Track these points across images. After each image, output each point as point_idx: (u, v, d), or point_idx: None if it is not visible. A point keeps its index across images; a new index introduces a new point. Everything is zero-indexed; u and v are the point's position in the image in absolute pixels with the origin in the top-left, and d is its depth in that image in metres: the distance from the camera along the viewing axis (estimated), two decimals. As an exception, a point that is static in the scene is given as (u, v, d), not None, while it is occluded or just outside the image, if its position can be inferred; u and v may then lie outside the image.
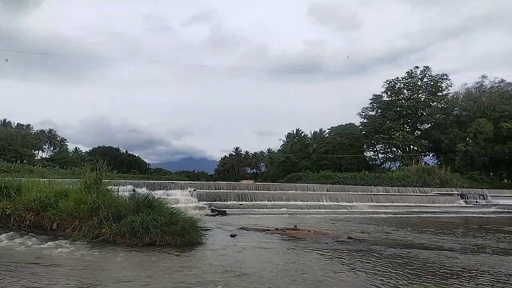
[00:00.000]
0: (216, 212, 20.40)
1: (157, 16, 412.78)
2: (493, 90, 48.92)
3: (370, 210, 25.08)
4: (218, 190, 27.01)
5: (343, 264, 8.90)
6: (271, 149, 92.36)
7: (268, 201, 25.94)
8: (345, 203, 27.51)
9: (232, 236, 12.52)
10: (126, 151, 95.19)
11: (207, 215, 19.71)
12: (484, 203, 33.22)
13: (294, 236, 12.85)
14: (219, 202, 23.85)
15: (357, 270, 8.36)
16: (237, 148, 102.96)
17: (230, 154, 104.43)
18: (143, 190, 19.42)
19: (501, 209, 28.90)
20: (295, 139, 74.32)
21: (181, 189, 25.68)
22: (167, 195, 22.01)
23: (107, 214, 10.75)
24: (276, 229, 14.17)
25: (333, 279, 7.54)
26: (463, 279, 7.79)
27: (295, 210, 23.47)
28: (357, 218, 20.66)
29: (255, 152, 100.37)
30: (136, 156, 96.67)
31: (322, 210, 24.29)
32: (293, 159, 58.11)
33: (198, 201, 23.82)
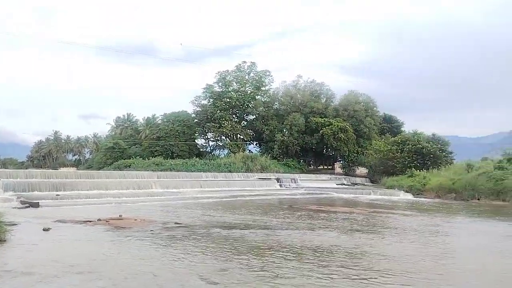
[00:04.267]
0: (27, 205, 17.75)
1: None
2: (306, 89, 56.46)
3: (199, 196, 25.82)
4: (30, 179, 23.55)
5: (167, 250, 8.91)
6: (97, 134, 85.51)
7: (92, 190, 23.96)
8: (176, 190, 27.64)
9: (45, 230, 11.10)
10: None
11: (15, 208, 16.98)
12: (295, 186, 38.25)
13: (119, 226, 12.24)
14: (32, 193, 20.80)
15: (180, 254, 8.48)
16: (56, 132, 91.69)
17: (47, 139, 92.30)
18: None
19: (307, 191, 33.71)
20: (125, 124, 70.61)
21: (-21, 178, 21.39)
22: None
23: None
24: (99, 219, 13.22)
25: (153, 266, 7.45)
26: (279, 252, 8.78)
27: (123, 199, 22.31)
28: (187, 204, 21.04)
29: (78, 137, 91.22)
30: None
31: (152, 197, 23.79)
32: (122, 145, 55.09)
33: (4, 192, 20.31)
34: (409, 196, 30.33)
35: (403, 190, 31.92)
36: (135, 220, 13.45)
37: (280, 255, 8.50)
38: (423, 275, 7.20)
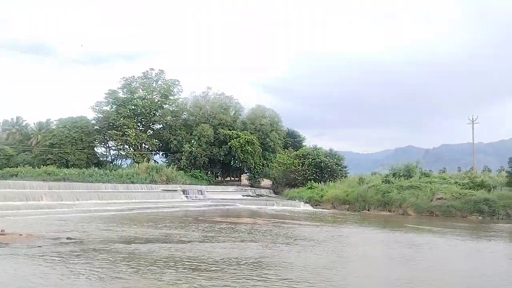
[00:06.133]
0: None
1: None
2: (215, 101, 56.73)
3: (96, 208, 24.14)
4: None
5: (55, 268, 8.10)
6: (-23, 139, 75.21)
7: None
8: (70, 202, 25.56)
9: None
10: None
11: None
12: (202, 198, 37.90)
13: (1, 242, 10.80)
14: None
15: (71, 272, 7.77)
16: None
17: None
18: None
19: (214, 203, 33.64)
20: (13, 129, 63.23)
21: None
22: None
23: None
24: (-26, 235, 11.53)
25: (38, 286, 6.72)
26: (188, 266, 8.53)
27: (7, 211, 19.92)
28: (82, 217, 19.48)
29: (-48, 141, 79.18)
30: None
31: (42, 210, 21.72)
32: (9, 151, 49.17)
33: None
34: (309, 207, 32.05)
35: (303, 201, 33.66)
36: (20, 235, 12.03)
37: (189, 269, 8.31)
38: (324, 283, 7.60)
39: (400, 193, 28.03)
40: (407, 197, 27.41)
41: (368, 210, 28.75)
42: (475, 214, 24.74)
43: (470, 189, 27.13)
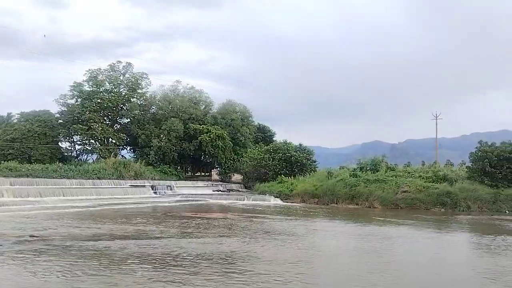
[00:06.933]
0: None
1: None
2: (185, 95, 55.93)
3: (61, 205, 23.39)
4: None
5: (18, 267, 7.77)
6: None
7: None
8: (33, 198, 24.70)
9: None
10: None
11: None
12: (171, 193, 37.47)
13: (-44, 242, 10.25)
14: None
15: (32, 272, 7.49)
16: None
17: None
18: None
19: (184, 198, 33.33)
20: (-30, 123, 60.02)
21: None
22: None
23: None
24: None
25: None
26: (159, 263, 8.38)
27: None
28: (46, 214, 18.79)
29: None
30: None
31: (3, 207, 21.00)
32: (-36, 146, 46.71)
33: None
34: (279, 201, 32.33)
35: (273, 196, 33.91)
36: (-21, 234, 11.45)
37: (162, 265, 8.18)
38: (298, 276, 7.69)
39: (367, 187, 28.74)
40: (374, 190, 28.15)
41: (337, 203, 29.31)
42: (438, 206, 25.76)
43: (433, 182, 28.16)
